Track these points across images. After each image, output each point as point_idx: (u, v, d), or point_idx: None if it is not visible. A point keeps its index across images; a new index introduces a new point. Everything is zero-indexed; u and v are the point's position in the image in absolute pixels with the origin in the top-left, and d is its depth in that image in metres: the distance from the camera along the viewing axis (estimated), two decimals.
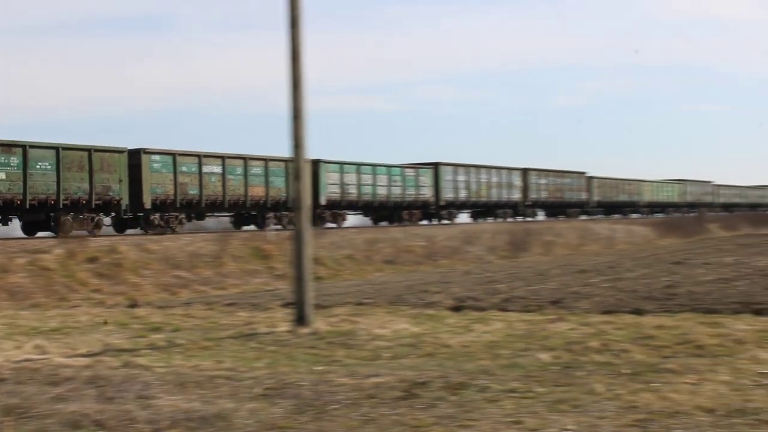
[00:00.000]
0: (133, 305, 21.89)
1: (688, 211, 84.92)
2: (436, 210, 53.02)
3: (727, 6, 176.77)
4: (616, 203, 74.61)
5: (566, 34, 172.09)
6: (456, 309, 18.98)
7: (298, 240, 16.47)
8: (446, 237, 41.69)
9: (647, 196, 79.36)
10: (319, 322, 16.17)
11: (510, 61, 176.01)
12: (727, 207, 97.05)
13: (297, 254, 16.47)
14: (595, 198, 70.34)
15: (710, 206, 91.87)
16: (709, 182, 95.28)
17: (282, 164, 40.47)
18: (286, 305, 19.57)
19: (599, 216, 70.54)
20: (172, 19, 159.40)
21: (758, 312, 17.00)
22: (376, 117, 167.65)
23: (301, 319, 15.98)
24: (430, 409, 9.21)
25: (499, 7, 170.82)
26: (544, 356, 12.43)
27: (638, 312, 17.43)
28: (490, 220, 57.48)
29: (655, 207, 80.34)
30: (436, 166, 52.70)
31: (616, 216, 72.87)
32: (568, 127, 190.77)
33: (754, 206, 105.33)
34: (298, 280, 16.29)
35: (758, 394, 9.56)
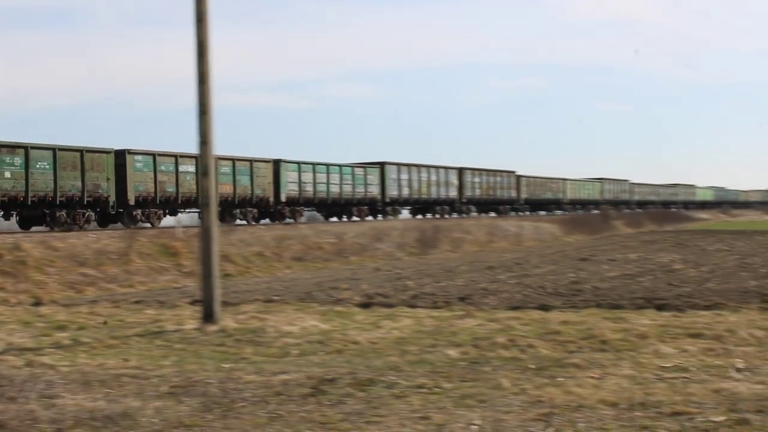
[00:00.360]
0: (38, 303, 21.46)
1: (607, 208, 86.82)
2: (382, 206, 55.27)
3: (632, 7, 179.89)
4: (542, 200, 77.53)
5: (476, 33, 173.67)
6: (365, 306, 19.00)
7: (205, 237, 16.34)
8: (356, 234, 41.68)
9: (570, 194, 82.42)
10: (227, 320, 16.06)
11: (420, 60, 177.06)
12: (642, 204, 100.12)
13: (204, 251, 16.34)
14: (524, 196, 72.91)
15: (627, 203, 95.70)
16: (626, 181, 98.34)
17: (247, 164, 43.74)
18: (193, 303, 19.41)
19: (526, 213, 73.12)
20: (84, 13, 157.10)
21: (660, 307, 17.35)
22: (288, 114, 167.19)
23: (208, 317, 15.85)
24: (338, 406, 9.22)
25: (410, 5, 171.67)
26: (452, 352, 12.52)
27: (544, 308, 17.66)
28: (429, 216, 59.69)
29: (576, 204, 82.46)
30: (382, 166, 55.09)
31: (542, 213, 75.70)
32: (476, 124, 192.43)
33: (666, 204, 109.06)
34: (206, 278, 16.16)
35: (660, 388, 9.75)
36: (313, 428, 8.38)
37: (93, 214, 36.54)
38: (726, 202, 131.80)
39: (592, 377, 10.41)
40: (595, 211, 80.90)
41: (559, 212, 79.07)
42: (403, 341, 13.76)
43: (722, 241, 44.79)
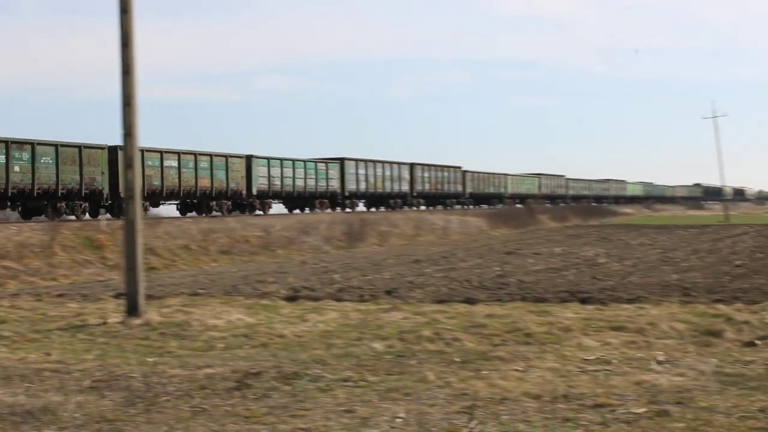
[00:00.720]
0: None
1: (543, 202, 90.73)
2: (341, 199, 58.05)
3: (557, 3, 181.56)
4: (485, 195, 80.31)
5: (403, 27, 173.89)
6: (291, 299, 18.96)
7: (129, 230, 16.16)
8: (283, 227, 41.57)
9: (511, 189, 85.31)
10: (152, 313, 15.89)
11: (349, 53, 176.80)
12: (576, 199, 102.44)
13: (129, 244, 16.15)
14: (468, 190, 75.80)
15: (563, 198, 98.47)
16: (562, 176, 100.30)
17: (223, 159, 46.54)
18: (118, 296, 19.20)
19: (471, 207, 75.05)
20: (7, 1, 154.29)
21: (584, 300, 17.55)
22: (213, 106, 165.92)
23: (133, 310, 15.68)
24: (263, 400, 9.18)
25: None
26: (378, 345, 12.54)
27: (470, 301, 17.76)
28: (382, 209, 62.27)
29: (516, 198, 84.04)
30: (342, 161, 57.97)
31: (485, 206, 77.56)
32: (404, 118, 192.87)
33: (598, 198, 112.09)
34: (130, 271, 15.98)
35: (583, 380, 9.86)
36: (237, 422, 8.32)
37: (88, 205, 39.08)
38: (654, 197, 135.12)
39: (517, 370, 10.49)
40: (534, 205, 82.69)
41: (500, 205, 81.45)
42: (329, 334, 13.75)
43: (645, 235, 45.48)
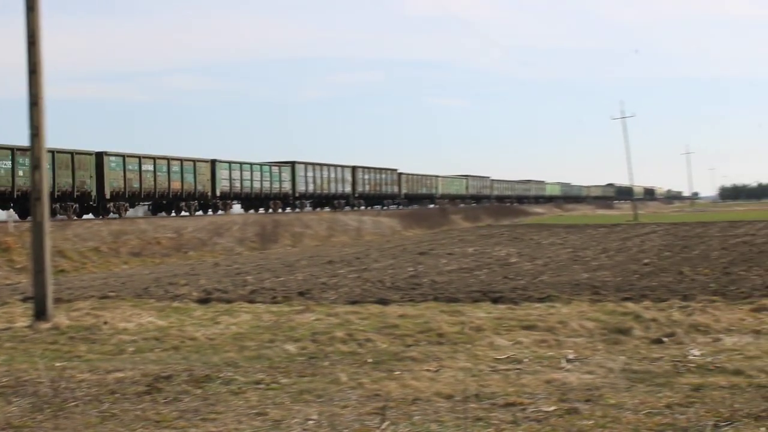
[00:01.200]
0: None
1: (470, 202, 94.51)
2: (293, 200, 61.22)
3: (468, 4, 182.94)
4: (419, 195, 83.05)
5: (314, 27, 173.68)
6: (203, 301, 18.80)
7: (37, 232, 15.87)
8: (195, 229, 41.20)
9: (441, 190, 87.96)
10: (61, 317, 15.64)
11: (262, 53, 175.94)
12: (500, 199, 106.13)
13: (36, 246, 15.87)
14: (404, 191, 78.49)
15: (488, 198, 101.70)
16: (487, 177, 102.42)
17: (191, 163, 49.38)
18: (25, 300, 18.86)
19: (404, 207, 77.11)
20: None
21: (496, 300, 17.71)
22: (125, 106, 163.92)
23: (41, 314, 15.41)
24: (174, 403, 9.09)
25: None
26: (291, 347, 12.50)
27: (383, 302, 17.80)
28: (327, 209, 64.91)
29: (446, 198, 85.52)
30: (293, 165, 60.85)
31: (415, 206, 79.52)
32: (316, 119, 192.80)
33: (520, 198, 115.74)
34: (38, 274, 15.71)
35: (494, 379, 9.94)
36: (147, 427, 8.23)
37: (78, 206, 41.78)
38: (571, 197, 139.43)
39: (429, 370, 10.54)
40: (462, 205, 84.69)
41: (431, 206, 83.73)
42: (242, 337, 13.67)
43: (556, 235, 46.01)
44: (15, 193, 36.68)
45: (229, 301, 18.63)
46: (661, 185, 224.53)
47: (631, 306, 16.01)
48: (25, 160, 35.78)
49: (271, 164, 58.85)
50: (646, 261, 27.21)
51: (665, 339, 12.72)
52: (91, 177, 41.58)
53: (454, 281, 22.02)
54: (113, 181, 43.31)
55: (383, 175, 74.87)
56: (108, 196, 43.05)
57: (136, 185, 44.75)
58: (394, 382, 9.83)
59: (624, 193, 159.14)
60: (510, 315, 15.35)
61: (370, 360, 11.38)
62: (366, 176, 71.42)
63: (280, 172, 59.34)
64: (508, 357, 11.41)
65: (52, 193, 37.18)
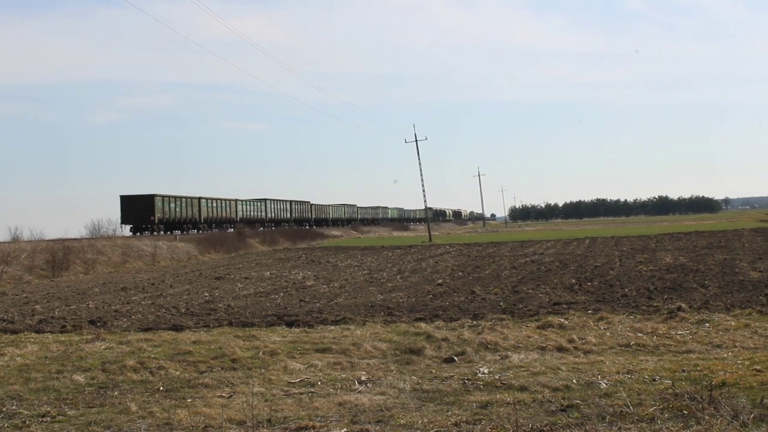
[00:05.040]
0: None
1: (294, 225, 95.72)
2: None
3: (261, 29, 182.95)
4: (219, 219, 79.77)
5: (103, 49, 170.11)
6: None
7: None
8: None
9: (240, 214, 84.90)
10: None
11: (50, 75, 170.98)
12: (318, 222, 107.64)
13: None
14: (203, 216, 75.90)
15: (308, 222, 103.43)
16: (308, 202, 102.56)
17: None
18: None
19: (204, 231, 75.11)
20: None
21: (291, 323, 17.74)
22: None
23: None
24: None
25: (30, 17, 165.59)
26: (79, 377, 12.17)
27: (177, 328, 17.56)
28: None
29: (244, 222, 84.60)
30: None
31: (216, 230, 77.35)
32: (107, 144, 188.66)
33: (337, 221, 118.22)
34: None
35: (287, 404, 9.95)
36: None
37: None
38: (405, 219, 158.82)
39: (222, 396, 10.46)
40: (286, 226, 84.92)
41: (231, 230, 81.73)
42: (28, 368, 13.20)
43: (353, 257, 46.42)
44: None
45: (15, 332, 17.98)
46: (466, 207, 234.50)
47: (423, 326, 16.33)
48: None
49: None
50: (439, 281, 27.74)
51: (456, 358, 13.02)
52: None
53: (249, 305, 21.90)
54: None
55: (182, 201, 73.86)
56: None
57: None
58: (185, 409, 9.70)
59: (439, 215, 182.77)
60: (305, 338, 15.41)
61: (161, 388, 11.20)
62: (167, 206, 70.24)
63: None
64: (301, 380, 11.44)
65: None
